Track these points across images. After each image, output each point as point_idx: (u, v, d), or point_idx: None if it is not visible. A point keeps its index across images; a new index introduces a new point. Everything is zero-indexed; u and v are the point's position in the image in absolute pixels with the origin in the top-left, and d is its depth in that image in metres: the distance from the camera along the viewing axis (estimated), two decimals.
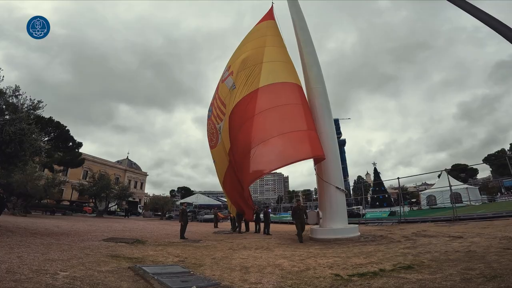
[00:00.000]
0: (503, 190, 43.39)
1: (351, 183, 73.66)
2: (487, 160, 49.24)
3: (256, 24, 15.35)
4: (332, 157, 10.52)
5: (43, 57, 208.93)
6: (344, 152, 70.54)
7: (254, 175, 9.76)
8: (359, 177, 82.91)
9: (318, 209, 11.34)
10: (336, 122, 71.76)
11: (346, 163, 69.62)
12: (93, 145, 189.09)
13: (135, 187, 58.66)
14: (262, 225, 14.78)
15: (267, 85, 10.99)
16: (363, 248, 7.15)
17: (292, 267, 5.17)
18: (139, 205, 47.75)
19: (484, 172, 64.17)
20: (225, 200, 46.97)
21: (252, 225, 15.93)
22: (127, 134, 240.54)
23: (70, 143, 29.45)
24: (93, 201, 29.85)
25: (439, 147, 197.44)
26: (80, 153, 32.26)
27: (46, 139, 24.27)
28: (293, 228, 16.80)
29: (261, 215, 15.15)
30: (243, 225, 15.41)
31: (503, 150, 53.13)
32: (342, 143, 69.99)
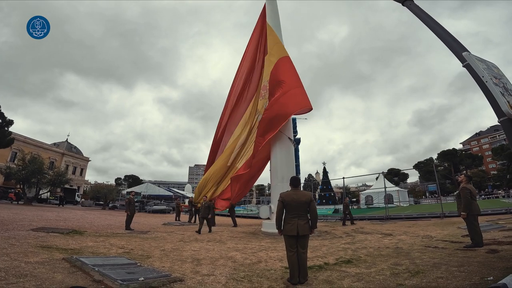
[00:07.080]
0: (427, 194, 50.48)
1: (302, 181, 78.01)
2: (417, 166, 55.92)
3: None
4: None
5: None
6: (298, 151, 73.96)
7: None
8: (310, 175, 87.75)
9: (270, 204, 11.69)
10: (294, 121, 74.65)
11: (299, 161, 73.10)
12: (26, 121, 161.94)
13: (73, 173, 52.86)
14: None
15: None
16: (310, 243, 7.51)
17: (244, 259, 5.26)
18: (77, 193, 43.04)
19: (415, 177, 73.45)
20: (177, 191, 45.34)
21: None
22: (71, 110, 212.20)
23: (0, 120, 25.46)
24: (21, 187, 26.01)
25: (389, 150, 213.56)
26: (10, 132, 27.88)
27: None
28: (247, 222, 17.09)
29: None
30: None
31: (431, 159, 59.94)
32: (297, 142, 73.16)
